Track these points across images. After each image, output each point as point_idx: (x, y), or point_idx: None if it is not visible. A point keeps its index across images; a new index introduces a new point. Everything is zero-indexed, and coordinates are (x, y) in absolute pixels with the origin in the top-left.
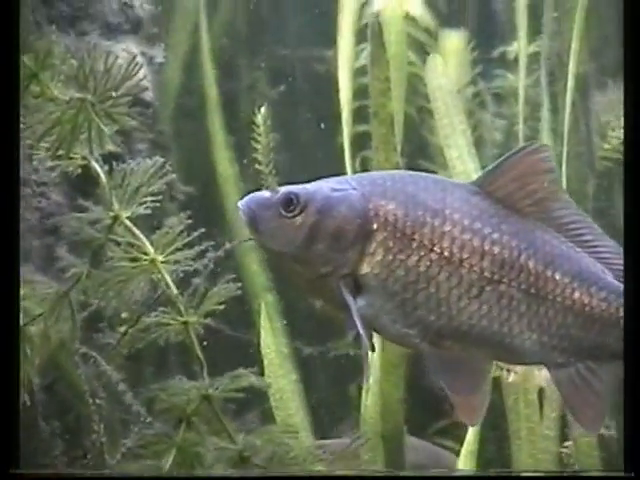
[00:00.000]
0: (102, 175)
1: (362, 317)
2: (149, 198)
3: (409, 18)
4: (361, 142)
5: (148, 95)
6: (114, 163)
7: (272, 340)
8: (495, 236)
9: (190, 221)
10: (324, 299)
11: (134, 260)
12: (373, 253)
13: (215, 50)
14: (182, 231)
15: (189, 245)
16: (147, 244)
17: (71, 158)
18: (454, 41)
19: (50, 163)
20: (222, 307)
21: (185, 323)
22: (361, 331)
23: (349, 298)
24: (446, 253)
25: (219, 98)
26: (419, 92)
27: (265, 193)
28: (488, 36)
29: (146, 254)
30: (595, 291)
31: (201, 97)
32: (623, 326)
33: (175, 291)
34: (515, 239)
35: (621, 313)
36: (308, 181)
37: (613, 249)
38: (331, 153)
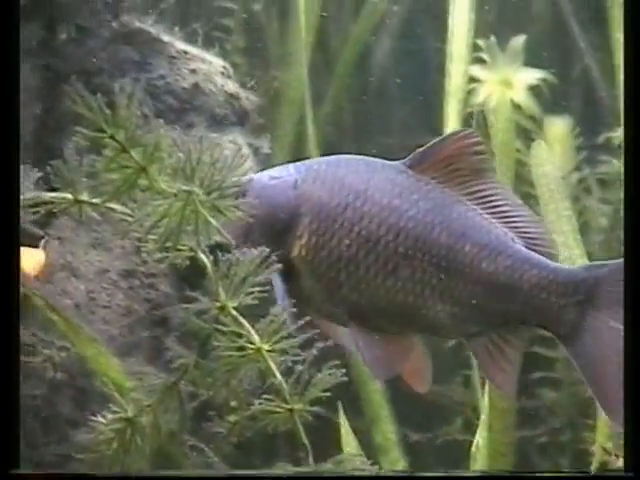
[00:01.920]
0: (209, 266)
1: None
2: (256, 288)
3: (514, 105)
4: None
5: None
6: (220, 253)
7: (380, 427)
8: (411, 212)
9: (295, 310)
10: None
11: (240, 349)
12: (300, 236)
13: (321, 140)
14: (286, 320)
15: (295, 334)
16: (253, 333)
17: (179, 250)
18: (559, 128)
19: (158, 255)
20: (327, 394)
21: (291, 410)
22: (280, 302)
23: (275, 277)
24: (364, 232)
25: None
26: (524, 178)
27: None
28: (592, 122)
29: (252, 343)
30: (501, 259)
31: None
32: (623, 327)
33: (280, 379)
34: (431, 214)
35: (525, 279)
36: None
37: (528, 218)
38: None
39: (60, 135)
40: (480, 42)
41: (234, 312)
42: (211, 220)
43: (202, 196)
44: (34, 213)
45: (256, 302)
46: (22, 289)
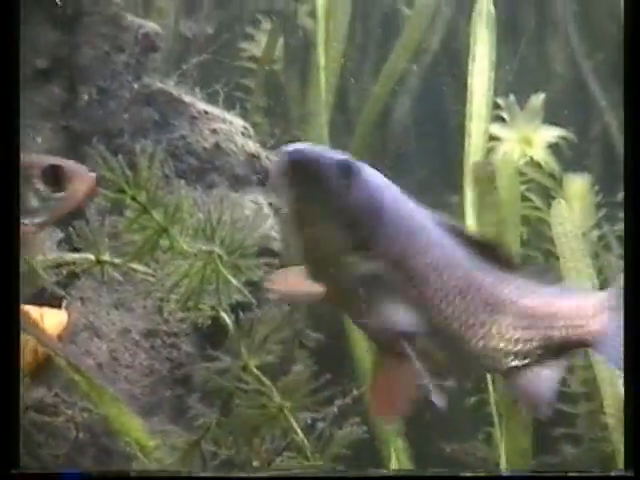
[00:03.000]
0: (230, 325)
1: None
2: (277, 346)
3: (534, 164)
4: None
5: (276, 245)
6: (241, 312)
7: None
8: (457, 250)
9: (316, 368)
10: (337, 277)
11: (262, 407)
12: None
13: None
14: (309, 377)
15: (316, 391)
16: (275, 392)
17: (200, 309)
18: (578, 185)
19: (180, 314)
20: (348, 451)
21: (312, 467)
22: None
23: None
24: (435, 260)
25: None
26: (544, 236)
27: (315, 149)
28: (612, 179)
29: (274, 401)
30: (535, 293)
31: None
32: (623, 329)
33: (302, 436)
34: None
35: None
36: None
37: None
38: None
39: None
40: (500, 100)
41: (256, 371)
42: (231, 280)
43: (224, 255)
44: (57, 274)
45: (278, 360)
46: (45, 349)
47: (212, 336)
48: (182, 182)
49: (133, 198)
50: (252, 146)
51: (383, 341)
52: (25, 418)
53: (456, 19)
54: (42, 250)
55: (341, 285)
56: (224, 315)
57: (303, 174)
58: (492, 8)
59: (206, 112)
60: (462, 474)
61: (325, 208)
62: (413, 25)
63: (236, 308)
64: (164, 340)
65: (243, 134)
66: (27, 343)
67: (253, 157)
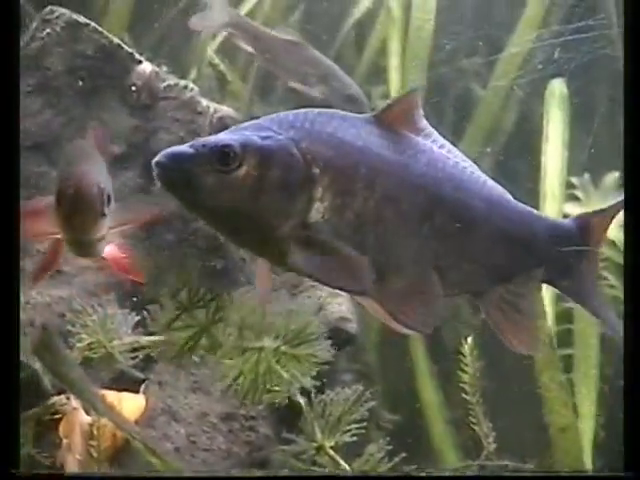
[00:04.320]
0: (304, 407)
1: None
2: (353, 426)
3: (609, 242)
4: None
5: (352, 327)
6: (314, 394)
7: None
8: (418, 168)
9: (390, 447)
10: (273, 257)
11: None
12: (321, 198)
13: None
14: (382, 458)
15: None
16: (349, 473)
17: (269, 391)
18: None
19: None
20: None
21: None
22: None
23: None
24: (384, 190)
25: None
26: None
27: (184, 147)
28: None
29: None
30: (509, 216)
31: None
32: (623, 326)
33: None
34: (434, 169)
35: (537, 233)
36: None
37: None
38: None
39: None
40: (574, 180)
41: (331, 452)
42: (283, 374)
43: (282, 347)
44: (133, 358)
45: (354, 440)
46: (123, 434)
47: (289, 418)
48: None
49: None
50: None
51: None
52: None
53: (529, 99)
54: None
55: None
56: (298, 397)
57: (185, 185)
58: (565, 88)
59: None
60: (462, 474)
61: (227, 205)
62: (486, 106)
63: (309, 391)
64: (242, 423)
65: None
66: (105, 427)
67: None
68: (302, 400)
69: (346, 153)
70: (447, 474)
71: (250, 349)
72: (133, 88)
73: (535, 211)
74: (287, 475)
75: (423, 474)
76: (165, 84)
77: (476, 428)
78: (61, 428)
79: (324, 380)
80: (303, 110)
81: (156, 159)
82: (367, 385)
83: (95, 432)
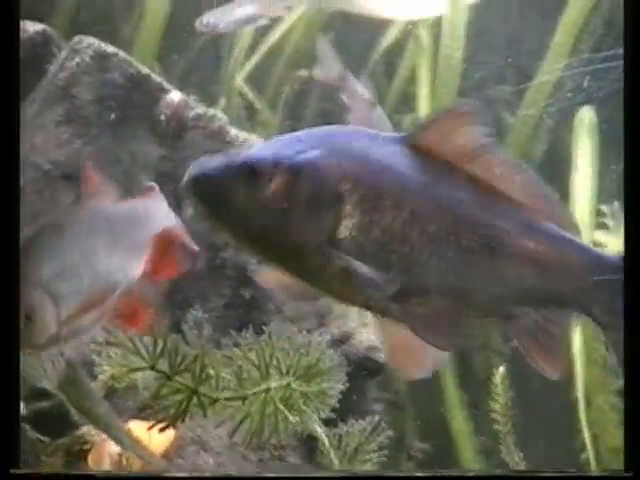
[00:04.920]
0: (322, 438)
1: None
2: (372, 455)
3: None
4: None
5: (382, 356)
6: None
7: None
8: (449, 192)
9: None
10: (298, 272)
11: None
12: (350, 215)
13: None
14: None
15: None
16: (350, 473)
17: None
18: None
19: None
20: None
21: None
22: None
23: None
24: (412, 210)
25: (453, 355)
26: None
27: (216, 159)
28: None
29: None
30: (543, 239)
31: None
32: (623, 326)
33: None
34: (465, 192)
35: (576, 261)
36: None
37: (550, 196)
38: None
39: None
40: (604, 208)
41: None
42: (289, 416)
43: (293, 384)
44: None
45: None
46: (150, 466)
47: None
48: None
49: (152, 367)
50: None
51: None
52: None
53: (558, 128)
54: None
55: (318, 277)
56: (318, 430)
57: (204, 189)
58: (594, 116)
59: None
60: (462, 474)
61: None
62: (516, 134)
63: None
64: (272, 453)
65: None
66: (134, 457)
67: None
68: (319, 432)
69: (375, 171)
70: (447, 474)
71: (253, 394)
72: (162, 117)
73: (577, 239)
74: (287, 475)
75: (428, 474)
76: (194, 113)
77: (506, 458)
78: (90, 458)
79: (344, 410)
80: (336, 126)
81: (189, 170)
82: (398, 414)
83: (124, 462)
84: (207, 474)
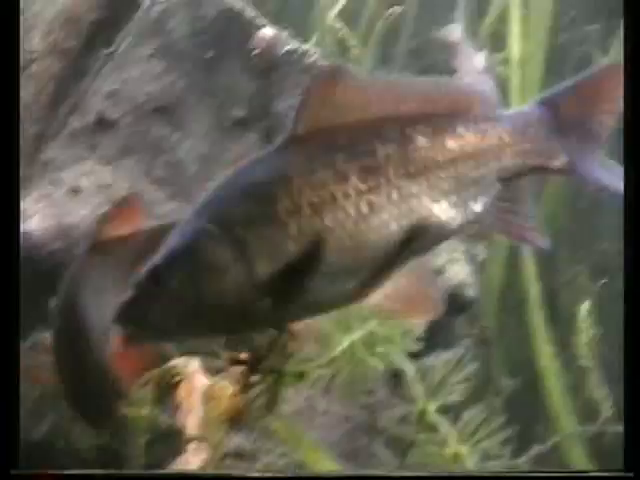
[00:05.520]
0: (407, 370)
1: None
2: (457, 387)
3: None
4: None
5: (472, 291)
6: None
7: None
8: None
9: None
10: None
11: (441, 452)
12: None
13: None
14: (483, 421)
15: (492, 435)
16: (450, 436)
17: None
18: None
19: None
20: None
21: None
22: None
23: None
24: None
25: (540, 294)
26: None
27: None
28: None
29: (449, 446)
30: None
31: (522, 292)
32: (623, 325)
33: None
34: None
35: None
36: None
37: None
38: None
39: None
40: None
41: (434, 415)
42: (379, 365)
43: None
44: None
45: (456, 401)
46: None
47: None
48: None
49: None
50: None
51: None
52: (222, 465)
53: None
54: None
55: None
56: (401, 362)
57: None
58: None
59: None
60: (461, 474)
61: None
62: None
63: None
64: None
65: None
66: (224, 389)
67: None
68: (404, 366)
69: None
70: (448, 474)
71: (339, 353)
72: (255, 52)
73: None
74: (288, 475)
75: (428, 474)
76: (286, 48)
77: (592, 394)
78: (180, 390)
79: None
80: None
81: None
82: (486, 351)
83: (214, 394)
84: (206, 474)
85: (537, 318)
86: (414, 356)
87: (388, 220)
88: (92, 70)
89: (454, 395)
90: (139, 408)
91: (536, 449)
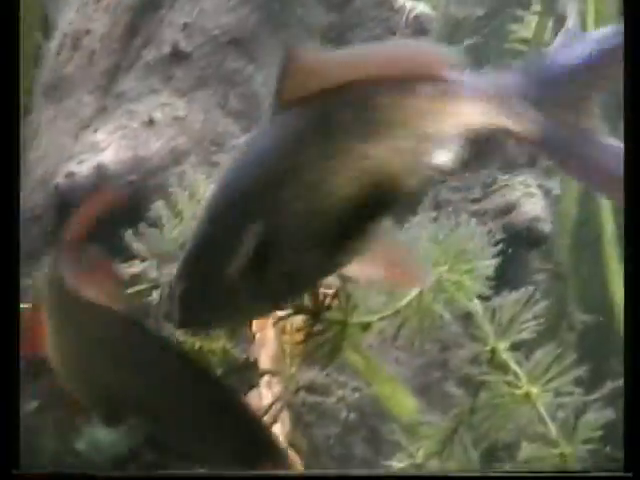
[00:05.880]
0: (477, 310)
1: None
2: (529, 324)
3: None
4: None
5: (546, 226)
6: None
7: None
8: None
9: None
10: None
11: (512, 391)
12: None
13: None
14: (556, 359)
15: (565, 373)
16: (521, 375)
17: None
18: None
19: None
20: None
21: (561, 454)
22: None
23: None
24: None
25: (615, 229)
26: None
27: None
28: None
29: (520, 386)
30: None
31: (597, 228)
32: (623, 325)
33: (549, 422)
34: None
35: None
36: None
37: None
38: None
39: None
40: None
41: (504, 355)
42: (445, 315)
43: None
44: None
45: (525, 340)
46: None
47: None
48: None
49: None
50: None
51: None
52: (297, 398)
53: None
54: None
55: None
56: (471, 304)
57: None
58: None
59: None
60: (463, 474)
61: None
62: None
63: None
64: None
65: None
66: (299, 324)
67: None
68: (473, 307)
69: None
70: (449, 474)
71: (406, 304)
72: None
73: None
74: (286, 475)
75: (428, 474)
76: None
77: None
78: (254, 324)
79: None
80: None
81: None
82: (561, 286)
83: (287, 327)
84: (207, 474)
85: (612, 252)
86: (485, 295)
87: (343, 184)
88: (167, 1)
89: (525, 333)
90: (213, 342)
91: (609, 386)
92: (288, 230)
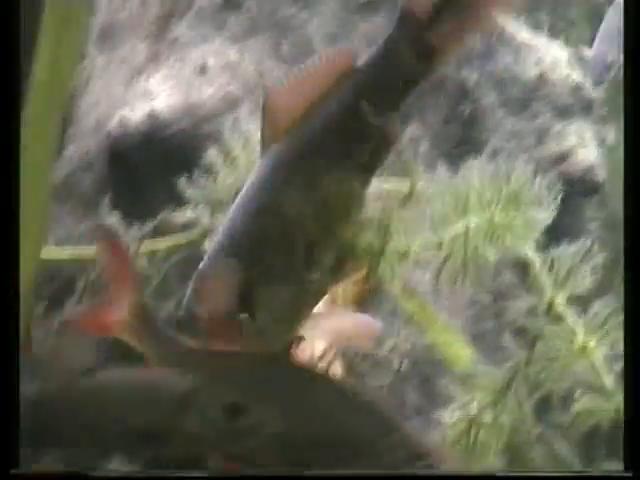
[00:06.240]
0: (534, 262)
1: None
2: (585, 276)
3: None
4: None
5: (600, 176)
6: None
7: None
8: None
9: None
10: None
11: (568, 344)
12: None
13: None
14: (613, 312)
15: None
16: (577, 328)
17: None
18: None
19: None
20: None
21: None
22: None
23: None
24: None
25: None
26: None
27: None
28: None
29: (577, 339)
30: None
31: None
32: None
33: (605, 375)
34: None
35: None
36: None
37: None
38: None
39: None
40: None
41: (561, 307)
42: (490, 258)
43: (496, 218)
44: None
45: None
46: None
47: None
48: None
49: None
50: (576, 76)
51: None
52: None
53: None
54: None
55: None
56: (526, 253)
57: None
58: None
59: (531, 42)
60: (460, 474)
61: None
62: None
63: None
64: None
65: (567, 64)
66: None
67: (577, 87)
68: (529, 257)
69: None
70: (450, 474)
71: (450, 238)
72: None
73: None
74: (285, 475)
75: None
76: None
77: None
78: None
79: (558, 231)
80: None
81: None
82: (613, 234)
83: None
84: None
85: None
86: (541, 245)
87: None
88: None
89: (583, 286)
90: None
91: None
92: None
